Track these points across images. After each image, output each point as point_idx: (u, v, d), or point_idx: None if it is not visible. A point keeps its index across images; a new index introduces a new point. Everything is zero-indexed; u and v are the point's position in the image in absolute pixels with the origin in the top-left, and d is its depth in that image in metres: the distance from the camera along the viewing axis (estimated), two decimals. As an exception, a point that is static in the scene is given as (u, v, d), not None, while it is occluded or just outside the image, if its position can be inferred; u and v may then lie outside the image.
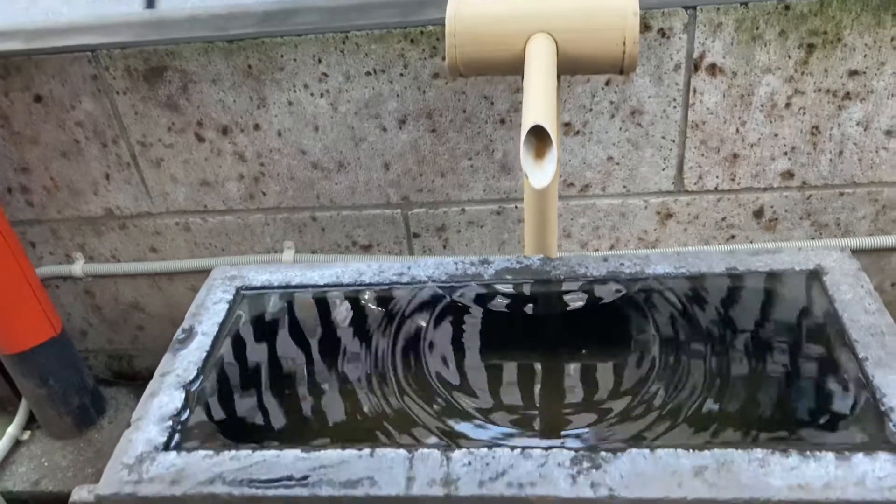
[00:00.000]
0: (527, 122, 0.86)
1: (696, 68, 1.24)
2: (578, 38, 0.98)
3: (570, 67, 1.01)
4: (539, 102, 0.88)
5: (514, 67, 1.02)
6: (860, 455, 0.74)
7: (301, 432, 0.98)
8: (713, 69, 1.24)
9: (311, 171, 1.42)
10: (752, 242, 1.42)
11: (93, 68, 1.33)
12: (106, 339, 1.73)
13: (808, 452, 0.75)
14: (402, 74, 1.29)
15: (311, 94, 1.33)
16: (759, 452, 0.76)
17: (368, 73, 1.29)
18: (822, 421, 0.84)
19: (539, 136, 0.89)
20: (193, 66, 1.31)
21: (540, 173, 0.86)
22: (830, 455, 0.75)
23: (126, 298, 1.65)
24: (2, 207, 1.41)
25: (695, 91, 1.26)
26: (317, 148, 1.39)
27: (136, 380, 1.78)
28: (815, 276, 0.99)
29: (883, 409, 0.80)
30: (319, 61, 1.29)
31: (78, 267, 1.58)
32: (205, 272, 1.58)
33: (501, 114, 1.32)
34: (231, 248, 1.54)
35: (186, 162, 1.43)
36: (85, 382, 1.63)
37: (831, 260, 1.01)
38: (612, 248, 1.45)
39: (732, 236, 1.42)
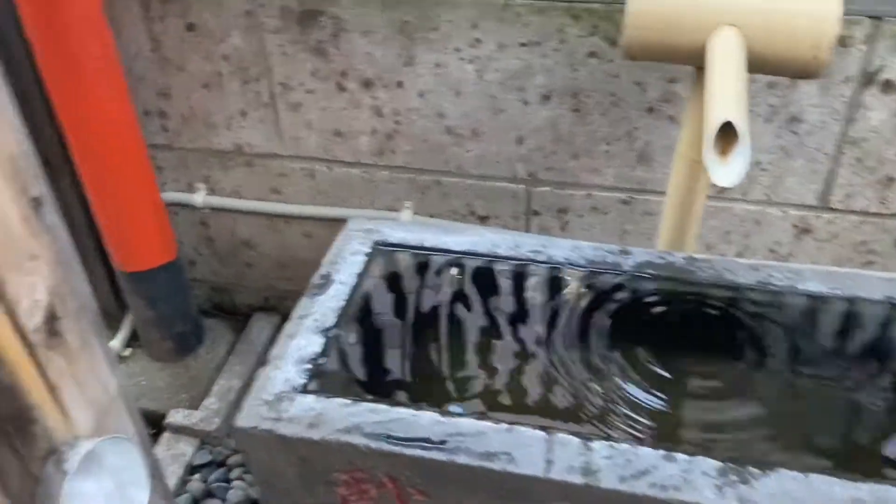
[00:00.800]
0: (716, 117, 0.83)
1: (869, 82, 1.18)
2: (770, 37, 0.94)
3: (753, 65, 0.97)
4: (730, 97, 0.85)
5: (692, 57, 0.98)
6: None
7: (432, 395, 0.98)
8: (888, 86, 1.17)
9: (445, 135, 1.41)
10: (889, 271, 1.35)
11: (248, 4, 1.34)
12: (212, 271, 1.77)
13: (977, 503, 0.72)
14: (556, 50, 1.26)
15: (461, 59, 1.31)
16: (924, 494, 0.73)
17: (522, 45, 1.27)
18: None
19: (724, 133, 0.86)
20: (349, 14, 1.30)
21: (725, 171, 0.83)
22: None
23: (240, 235, 1.68)
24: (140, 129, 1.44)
25: (861, 106, 1.20)
26: (455, 113, 1.38)
27: (235, 315, 1.82)
28: None
29: None
30: (475, 26, 1.27)
31: (199, 197, 1.62)
32: (322, 220, 1.60)
33: (651, 102, 1.28)
34: (351, 200, 1.54)
35: (324, 110, 1.43)
36: (190, 310, 1.67)
37: None
38: (738, 255, 1.41)
39: (870, 262, 1.36)
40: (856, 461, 0.92)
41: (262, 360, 1.71)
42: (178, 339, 1.67)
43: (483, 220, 1.51)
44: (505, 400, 1.00)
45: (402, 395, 0.99)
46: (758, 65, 0.97)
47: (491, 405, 1.01)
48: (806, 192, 1.31)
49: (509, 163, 1.42)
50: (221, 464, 1.49)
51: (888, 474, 0.88)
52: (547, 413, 0.97)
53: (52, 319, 0.76)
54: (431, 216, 1.53)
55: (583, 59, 1.26)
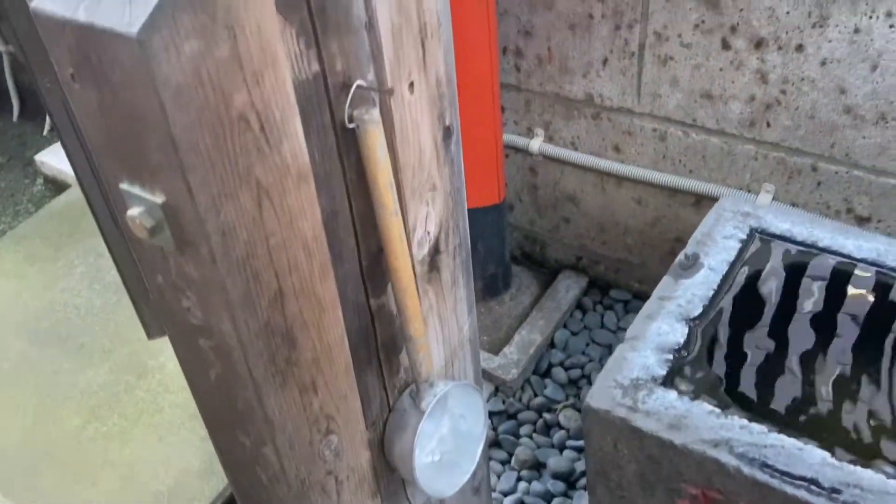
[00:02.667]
0: None
1: None
2: None
3: None
4: None
5: None
6: None
7: (813, 425, 0.84)
8: None
9: (841, 115, 1.19)
10: None
11: (642, -58, 1.22)
12: (529, 219, 1.73)
13: None
14: None
15: (891, 26, 1.08)
16: None
17: None
18: None
19: None
20: (758, -40, 1.13)
21: None
22: None
23: (566, 188, 1.61)
24: (498, 66, 1.41)
25: None
26: (862, 90, 1.15)
27: (543, 266, 1.78)
28: None
29: None
30: (925, -15, 1.03)
31: (536, 143, 1.57)
32: (658, 187, 1.47)
33: None
34: (701, 172, 1.39)
35: (697, 67, 1.28)
36: (504, 254, 1.65)
37: None
38: None
39: None
40: None
41: (564, 321, 1.65)
42: (489, 281, 1.66)
43: (862, 221, 1.27)
44: (867, 441, 0.81)
45: (774, 416, 0.85)
46: None
47: (851, 444, 0.83)
48: None
49: (918, 159, 1.16)
50: (512, 416, 1.46)
51: None
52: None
53: (435, 253, 0.73)
54: (794, 205, 1.32)
55: None
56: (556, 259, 1.76)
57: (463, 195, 0.76)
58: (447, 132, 0.68)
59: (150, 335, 1.26)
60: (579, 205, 1.62)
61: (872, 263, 0.89)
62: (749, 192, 1.35)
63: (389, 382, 0.73)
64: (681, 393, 0.76)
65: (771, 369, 0.88)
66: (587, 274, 1.73)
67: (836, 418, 0.83)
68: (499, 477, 1.36)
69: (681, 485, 0.75)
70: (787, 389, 0.87)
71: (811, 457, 0.69)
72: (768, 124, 1.27)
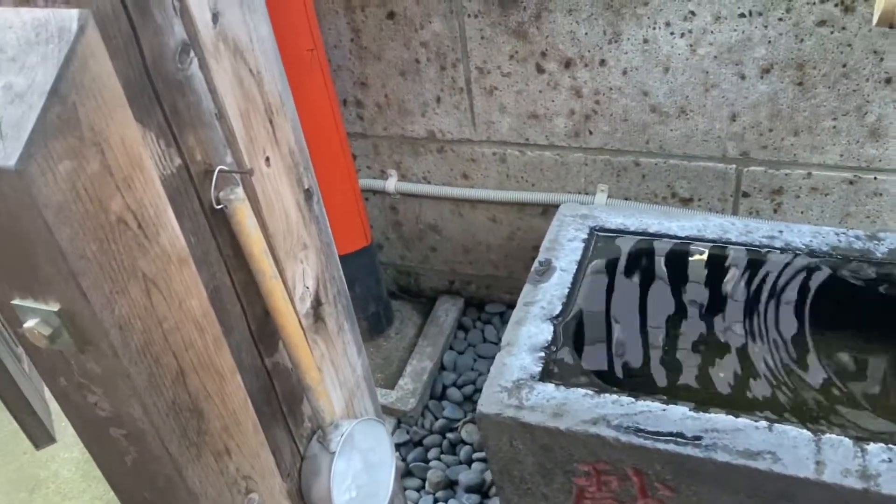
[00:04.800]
0: None
1: None
2: None
3: None
4: None
5: (967, 19, 0.88)
6: None
7: (675, 386, 0.95)
8: None
9: (648, 114, 1.35)
10: None
11: (449, -11, 1.34)
12: (399, 255, 1.81)
13: None
14: (780, 19, 1.17)
15: (671, 34, 1.25)
16: None
17: (742, 15, 1.19)
18: None
19: None
20: (552, -7, 1.27)
21: None
22: None
23: (426, 219, 1.70)
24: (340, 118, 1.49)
25: None
26: (661, 91, 1.32)
27: (420, 296, 1.86)
28: None
29: None
30: (690, -2, 1.20)
31: (391, 183, 1.65)
32: (509, 204, 1.59)
33: (890, 72, 1.16)
34: (542, 184, 1.52)
35: (519, 93, 1.41)
36: (381, 292, 1.72)
37: None
38: None
39: None
40: None
41: (450, 344, 1.74)
42: (372, 321, 1.72)
43: (685, 202, 1.44)
44: (725, 392, 0.94)
45: (634, 386, 0.96)
46: None
47: (712, 397, 0.96)
48: None
49: (719, 141, 1.34)
50: (418, 443, 1.52)
51: None
52: (808, 412, 0.91)
53: (317, 305, 0.79)
54: (627, 199, 1.48)
55: (811, 29, 1.17)
56: (432, 287, 1.85)
57: (333, 247, 0.82)
58: (307, 194, 0.74)
59: (37, 445, 1.23)
60: (442, 233, 1.72)
61: (696, 238, 1.04)
62: (587, 194, 1.50)
63: (297, 432, 0.78)
64: (557, 384, 0.85)
65: (632, 346, 1.00)
66: (462, 295, 1.83)
67: (694, 377, 0.96)
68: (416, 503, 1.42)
69: (574, 465, 0.84)
70: (651, 361, 0.99)
71: (674, 414, 0.80)
72: (590, 132, 1.41)
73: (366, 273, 1.65)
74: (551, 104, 1.41)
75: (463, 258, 1.75)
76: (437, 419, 1.56)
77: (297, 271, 0.73)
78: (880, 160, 1.25)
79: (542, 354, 0.90)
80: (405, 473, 1.48)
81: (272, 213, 0.68)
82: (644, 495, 0.83)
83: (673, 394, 0.94)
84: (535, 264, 1.05)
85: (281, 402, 0.74)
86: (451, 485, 1.44)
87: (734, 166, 1.35)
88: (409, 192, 1.66)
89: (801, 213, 1.36)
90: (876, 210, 1.31)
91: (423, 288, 1.86)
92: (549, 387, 0.85)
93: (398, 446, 1.52)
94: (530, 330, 0.93)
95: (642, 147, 1.40)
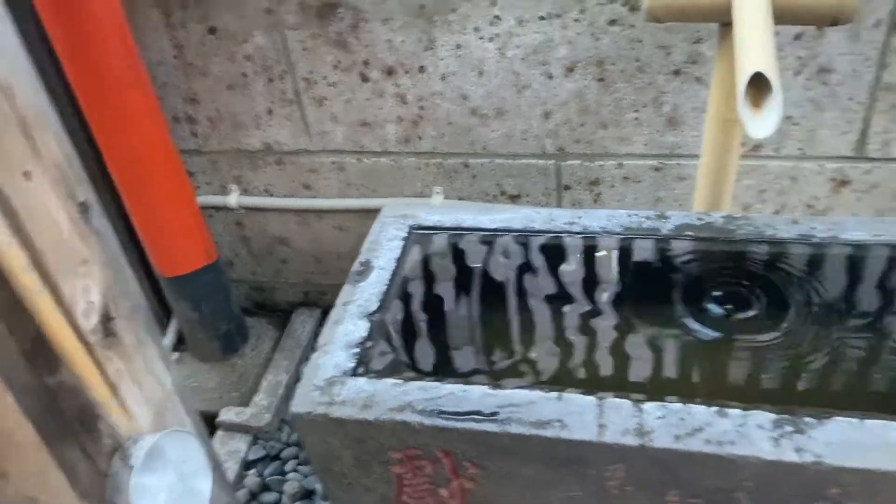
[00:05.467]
0: (746, 69, 0.82)
1: (900, 25, 1.16)
2: (796, -16, 0.93)
3: (780, 16, 0.95)
4: (759, 49, 0.84)
5: (717, 13, 0.97)
6: None
7: (481, 367, 0.99)
8: (919, 27, 1.15)
9: (470, 116, 1.41)
10: (932, 217, 1.33)
11: (268, 1, 1.35)
12: (250, 270, 1.80)
13: None
14: (576, 20, 1.26)
15: (481, 38, 1.31)
16: None
17: (542, 18, 1.27)
18: None
19: (755, 84, 0.85)
20: (366, 3, 1.31)
21: (759, 122, 0.82)
22: None
23: (274, 232, 1.70)
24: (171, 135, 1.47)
25: (894, 50, 1.18)
26: (479, 94, 1.38)
27: (276, 311, 1.85)
28: None
29: None
30: (493, 3, 1.27)
31: (233, 198, 1.64)
32: (353, 212, 1.61)
33: (677, 65, 1.27)
34: (382, 189, 1.56)
35: (348, 101, 1.44)
36: (232, 310, 1.70)
37: None
38: (776, 213, 1.39)
39: (912, 209, 1.33)
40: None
41: (307, 355, 1.74)
42: (224, 339, 1.70)
43: (514, 198, 1.51)
44: (553, 370, 1.00)
45: (449, 371, 1.00)
46: (785, 14, 0.96)
47: (539, 377, 1.02)
48: (841, 143, 1.29)
49: (537, 139, 1.41)
50: (275, 457, 1.52)
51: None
52: (599, 380, 0.97)
53: (107, 320, 0.78)
54: (461, 199, 1.53)
55: (604, 28, 1.26)
56: (287, 300, 1.84)
57: (122, 262, 0.81)
58: (83, 207, 0.73)
59: None
60: (291, 245, 1.72)
61: (504, 229, 1.09)
62: (424, 196, 1.54)
63: (95, 450, 0.77)
64: (370, 377, 0.88)
65: (448, 334, 1.04)
66: (318, 306, 1.83)
67: (505, 358, 1.01)
68: (274, 518, 1.41)
69: (388, 454, 0.87)
70: (464, 347, 1.03)
71: (473, 394, 0.85)
72: (420, 137, 1.46)
73: (213, 291, 1.63)
74: (380, 111, 1.44)
75: (315, 269, 1.76)
76: (293, 431, 1.55)
77: (78, 287, 0.72)
78: (680, 147, 1.36)
79: (357, 351, 0.92)
80: (263, 489, 1.46)
81: (38, 229, 0.67)
82: (456, 476, 0.87)
83: (486, 375, 0.99)
84: (356, 265, 1.07)
85: (72, 420, 0.73)
86: (308, 494, 1.44)
87: (553, 162, 1.43)
88: (252, 205, 1.65)
89: (618, 200, 1.46)
90: (683, 193, 1.42)
91: (279, 302, 1.85)
92: (361, 381, 0.88)
93: (255, 462, 1.51)
94: (347, 328, 0.96)
95: (469, 148, 1.46)
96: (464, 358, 1.02)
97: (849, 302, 0.98)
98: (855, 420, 0.76)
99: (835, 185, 1.33)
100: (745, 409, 0.79)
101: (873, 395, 0.91)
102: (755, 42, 0.85)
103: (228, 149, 1.58)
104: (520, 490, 0.86)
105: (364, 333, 0.94)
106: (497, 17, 1.28)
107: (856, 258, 0.98)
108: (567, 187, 1.46)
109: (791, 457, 0.74)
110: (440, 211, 1.13)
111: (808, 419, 0.77)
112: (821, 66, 1.22)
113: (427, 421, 0.82)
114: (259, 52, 1.42)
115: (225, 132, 1.55)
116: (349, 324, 0.96)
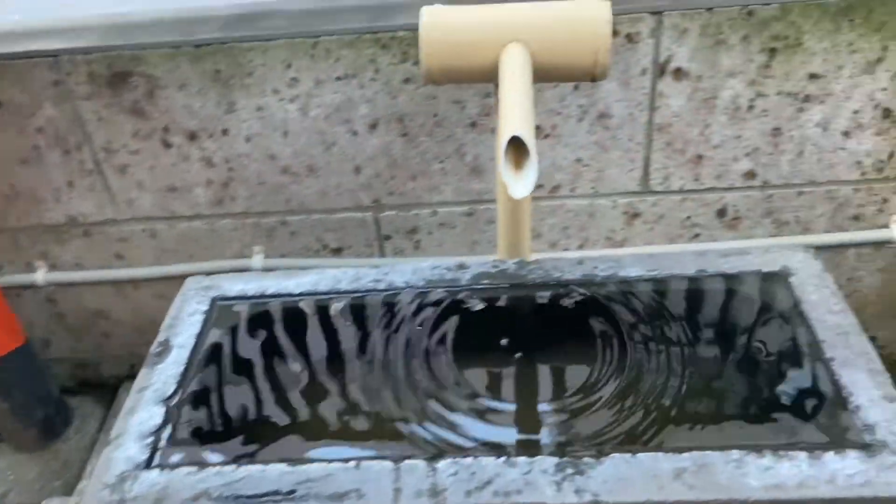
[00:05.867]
0: (505, 133, 0.87)
1: (662, 72, 1.27)
2: (552, 48, 0.99)
3: (543, 76, 1.02)
4: (517, 113, 0.89)
5: (488, 76, 1.03)
6: (831, 454, 0.77)
7: (285, 443, 0.98)
8: (678, 73, 1.27)
9: (281, 175, 1.41)
10: (715, 241, 1.45)
11: (54, 74, 1.30)
12: (70, 347, 1.70)
13: (781, 452, 0.78)
14: (373, 79, 1.29)
15: (281, 100, 1.31)
16: (735, 454, 0.79)
17: (339, 78, 1.29)
18: (793, 421, 0.87)
19: (517, 145, 0.90)
20: (159, 70, 1.29)
21: (520, 183, 0.87)
22: (803, 454, 0.78)
23: (90, 306, 1.62)
24: (-41, 217, 1.37)
25: (661, 95, 1.29)
26: (286, 153, 1.38)
27: (102, 387, 1.75)
28: (781, 277, 1.03)
29: (850, 407, 0.83)
30: (289, 66, 1.28)
31: (40, 275, 1.55)
32: (171, 278, 1.56)
33: (472, 117, 1.32)
34: (199, 253, 1.52)
35: (153, 168, 1.40)
36: (50, 393, 1.60)
37: (797, 261, 1.04)
38: (580, 247, 1.48)
39: (697, 235, 1.45)
40: (695, 428, 0.98)
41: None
42: (42, 425, 1.59)
43: (337, 251, 1.52)
44: (356, 431, 1.00)
45: (254, 450, 0.98)
46: (549, 74, 1.03)
47: (343, 439, 1.00)
48: (628, 180, 1.39)
49: (351, 193, 1.43)
50: (104, 547, 1.43)
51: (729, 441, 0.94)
52: (399, 438, 0.98)
53: None
54: (283, 256, 1.52)
55: (400, 86, 1.30)
56: (113, 374, 1.75)
57: None
58: None
59: None
60: (110, 317, 1.64)
61: (310, 293, 1.09)
62: (245, 257, 1.52)
63: None
64: (162, 468, 0.85)
65: (243, 409, 1.03)
66: (148, 377, 1.75)
67: (312, 426, 1.00)
68: None
69: (190, 545, 0.84)
70: (264, 423, 1.02)
71: (271, 473, 0.84)
72: (232, 198, 1.44)
73: (25, 376, 1.53)
74: (187, 175, 1.41)
75: (139, 339, 1.68)
76: (124, 516, 1.47)
77: None
78: (487, 192, 1.42)
79: (151, 440, 0.89)
80: (91, 583, 1.37)
81: None
82: (264, 557, 0.86)
83: (291, 446, 0.98)
84: (154, 346, 1.04)
85: None
86: (141, 583, 1.36)
87: (371, 213, 1.45)
88: (63, 281, 1.56)
89: (438, 245, 1.50)
90: (496, 235, 1.47)
91: (105, 377, 1.76)
92: (154, 473, 0.85)
93: (82, 556, 1.41)
94: (141, 416, 0.92)
95: (285, 206, 1.45)
96: (267, 431, 1.01)
97: (625, 334, 1.05)
98: (627, 455, 0.82)
99: (627, 217, 1.43)
100: (532, 456, 0.83)
101: (638, 429, 0.98)
102: (514, 107, 0.90)
103: (29, 225, 1.49)
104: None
105: (159, 421, 0.91)
106: (294, 78, 1.29)
107: (631, 293, 1.06)
108: (388, 237, 1.49)
109: (571, 499, 0.78)
110: (245, 279, 1.12)
111: (587, 460, 0.82)
112: (600, 112, 1.31)
113: (223, 508, 0.81)
114: (50, 124, 1.35)
115: (23, 208, 1.46)
116: (143, 412, 0.93)
